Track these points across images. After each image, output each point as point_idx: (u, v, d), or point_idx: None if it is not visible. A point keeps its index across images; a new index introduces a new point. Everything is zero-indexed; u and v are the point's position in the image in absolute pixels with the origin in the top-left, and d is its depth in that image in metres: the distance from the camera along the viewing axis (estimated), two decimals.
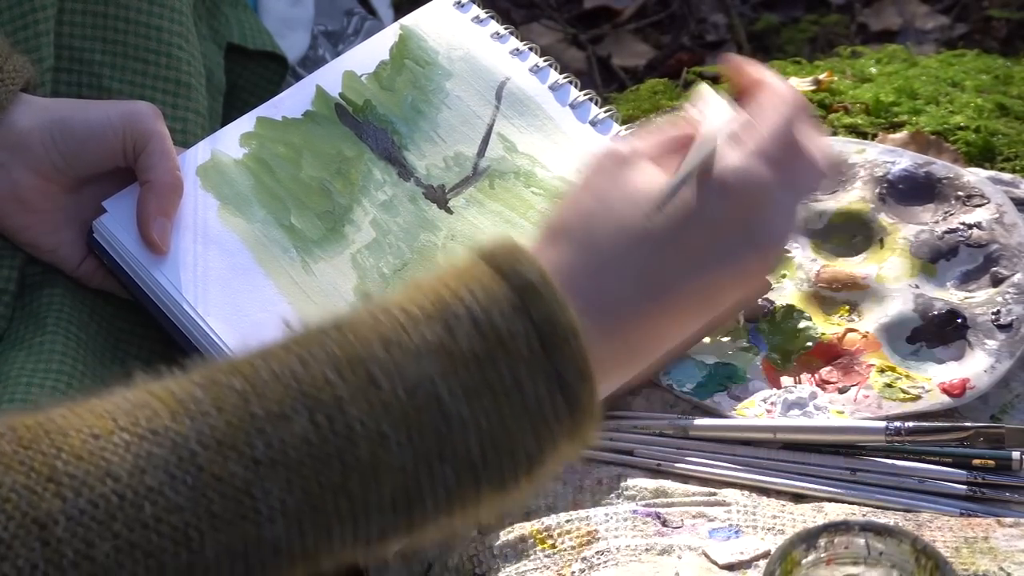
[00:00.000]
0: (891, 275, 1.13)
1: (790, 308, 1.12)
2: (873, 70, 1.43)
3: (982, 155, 1.28)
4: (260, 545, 0.71)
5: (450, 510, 0.74)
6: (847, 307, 1.12)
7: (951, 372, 1.07)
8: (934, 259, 1.14)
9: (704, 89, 0.85)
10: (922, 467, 1.01)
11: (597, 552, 0.94)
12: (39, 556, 0.69)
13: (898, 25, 2.14)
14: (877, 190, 1.19)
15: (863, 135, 1.30)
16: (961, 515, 0.97)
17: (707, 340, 1.09)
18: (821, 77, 1.38)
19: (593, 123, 1.15)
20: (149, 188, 1.04)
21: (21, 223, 1.06)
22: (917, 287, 1.12)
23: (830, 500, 0.99)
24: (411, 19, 1.17)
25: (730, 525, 0.97)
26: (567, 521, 0.97)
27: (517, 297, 0.75)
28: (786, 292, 1.13)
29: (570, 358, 0.74)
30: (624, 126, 1.14)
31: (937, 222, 1.16)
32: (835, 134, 1.30)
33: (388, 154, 1.11)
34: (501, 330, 0.74)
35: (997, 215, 1.15)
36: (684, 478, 1.02)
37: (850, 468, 1.01)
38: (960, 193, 1.17)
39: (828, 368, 1.08)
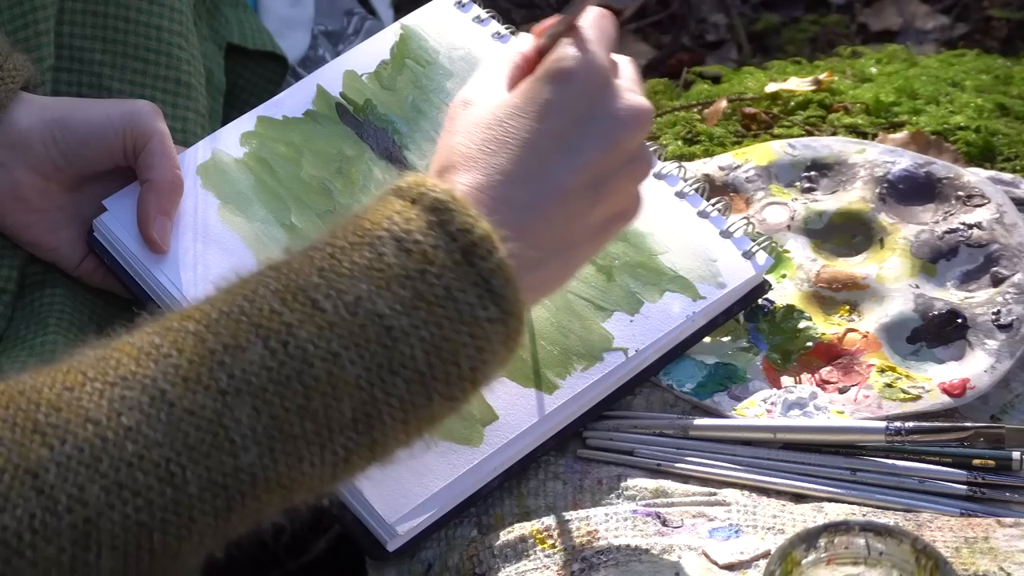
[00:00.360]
0: (891, 275, 1.13)
1: (790, 308, 1.12)
2: (873, 70, 1.43)
3: (982, 155, 1.28)
4: (237, 475, 0.76)
5: (407, 425, 0.81)
6: (847, 307, 1.12)
7: (951, 372, 1.07)
8: (934, 259, 1.14)
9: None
10: (922, 467, 1.01)
11: (597, 552, 0.94)
12: (35, 505, 0.73)
13: (898, 25, 2.14)
14: (877, 190, 1.19)
15: (863, 135, 1.30)
16: (961, 515, 0.98)
17: (707, 340, 1.09)
18: (821, 77, 1.38)
19: None
20: (149, 187, 1.05)
21: (21, 222, 1.06)
22: (917, 287, 1.12)
23: (830, 500, 0.99)
24: (412, 19, 1.17)
25: (730, 525, 0.97)
26: (567, 521, 0.97)
27: (431, 215, 0.82)
28: (786, 292, 1.13)
29: (492, 264, 0.82)
30: None
31: (937, 222, 1.16)
32: (835, 134, 1.30)
33: (389, 153, 1.11)
34: (423, 245, 0.81)
35: (997, 215, 1.15)
36: (684, 478, 1.02)
37: (850, 468, 1.01)
38: (960, 193, 1.17)
39: (828, 368, 1.08)
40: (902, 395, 1.05)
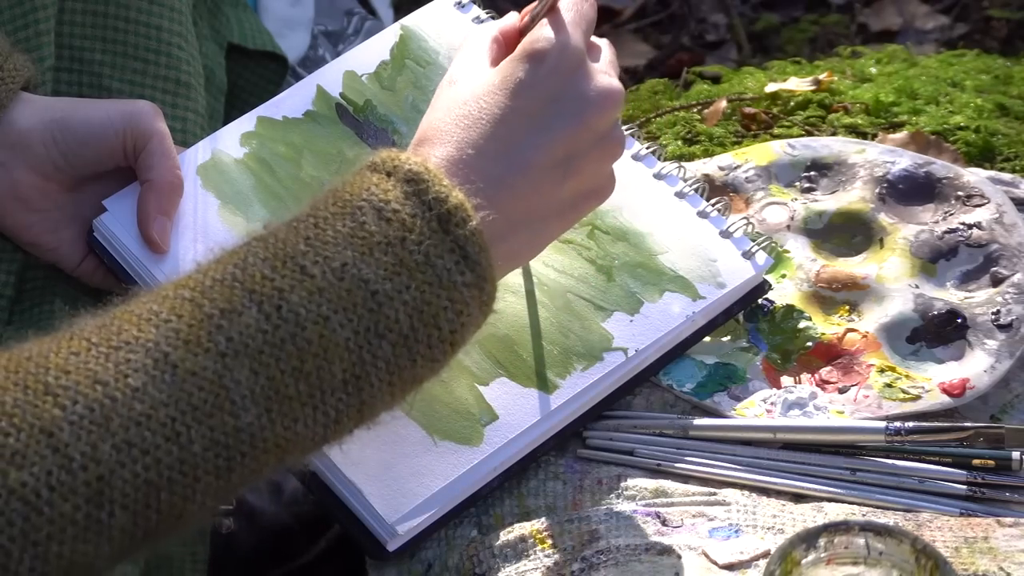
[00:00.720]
0: (891, 275, 1.13)
1: (790, 308, 1.12)
2: (873, 70, 1.43)
3: (982, 155, 1.28)
4: (238, 435, 0.80)
5: (392, 387, 0.85)
6: (847, 307, 1.12)
7: (951, 372, 1.07)
8: (934, 259, 1.14)
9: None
10: (922, 467, 1.01)
11: (597, 552, 0.94)
12: (51, 462, 0.76)
13: (898, 25, 2.14)
14: (877, 190, 1.19)
15: (863, 135, 1.30)
16: (961, 515, 0.98)
17: (707, 340, 1.09)
18: (821, 77, 1.38)
19: None
20: (149, 187, 1.04)
21: (21, 222, 1.06)
22: (917, 287, 1.12)
23: (830, 500, 0.99)
24: (412, 19, 1.17)
25: (730, 524, 0.97)
26: (567, 521, 0.97)
27: (406, 186, 0.87)
28: (786, 292, 1.13)
29: (466, 232, 0.87)
30: (624, 126, 1.14)
31: (937, 222, 1.16)
32: (835, 134, 1.30)
33: None
34: (401, 214, 0.86)
35: (997, 215, 1.15)
36: (684, 478, 1.02)
37: (850, 468, 1.01)
38: (960, 193, 1.18)
39: (828, 368, 1.08)
40: (902, 395, 1.05)
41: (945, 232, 1.15)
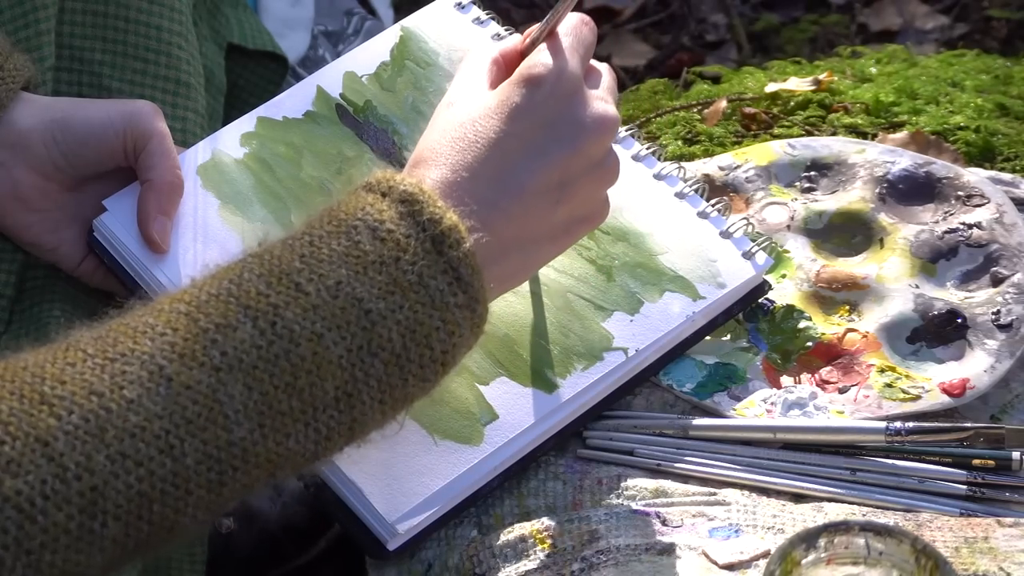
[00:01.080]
0: (891, 275, 1.13)
1: (790, 308, 1.12)
2: (873, 70, 1.43)
3: (982, 155, 1.28)
4: (230, 449, 0.81)
5: (383, 405, 0.86)
6: (847, 307, 1.12)
7: (951, 372, 1.07)
8: (934, 259, 1.14)
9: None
10: (922, 467, 1.01)
11: (597, 552, 0.94)
12: (46, 472, 0.76)
13: (898, 25, 2.14)
14: (877, 190, 1.19)
15: (863, 135, 1.30)
16: (961, 515, 0.98)
17: (707, 339, 1.09)
18: (821, 77, 1.38)
19: None
20: (149, 187, 1.04)
21: (22, 222, 1.06)
22: (917, 287, 1.12)
23: (830, 500, 0.99)
24: (412, 20, 1.17)
25: (730, 524, 0.97)
26: (567, 521, 0.97)
27: (401, 207, 0.88)
28: (786, 292, 1.13)
29: (460, 253, 0.87)
30: (624, 126, 1.14)
31: (937, 222, 1.16)
32: (835, 134, 1.30)
33: (389, 154, 1.11)
34: (396, 234, 0.87)
35: (997, 215, 1.15)
36: (684, 478, 1.02)
37: (850, 468, 1.01)
38: (960, 193, 1.18)
39: (828, 368, 1.08)
40: (902, 395, 1.05)
41: (945, 232, 1.15)
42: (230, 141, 1.10)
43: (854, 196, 1.19)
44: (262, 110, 1.12)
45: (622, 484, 1.01)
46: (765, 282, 1.11)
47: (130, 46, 1.14)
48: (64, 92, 1.12)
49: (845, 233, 1.17)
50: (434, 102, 1.13)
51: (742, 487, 1.01)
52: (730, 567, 0.93)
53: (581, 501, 1.00)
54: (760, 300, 1.11)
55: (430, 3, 1.18)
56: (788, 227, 1.18)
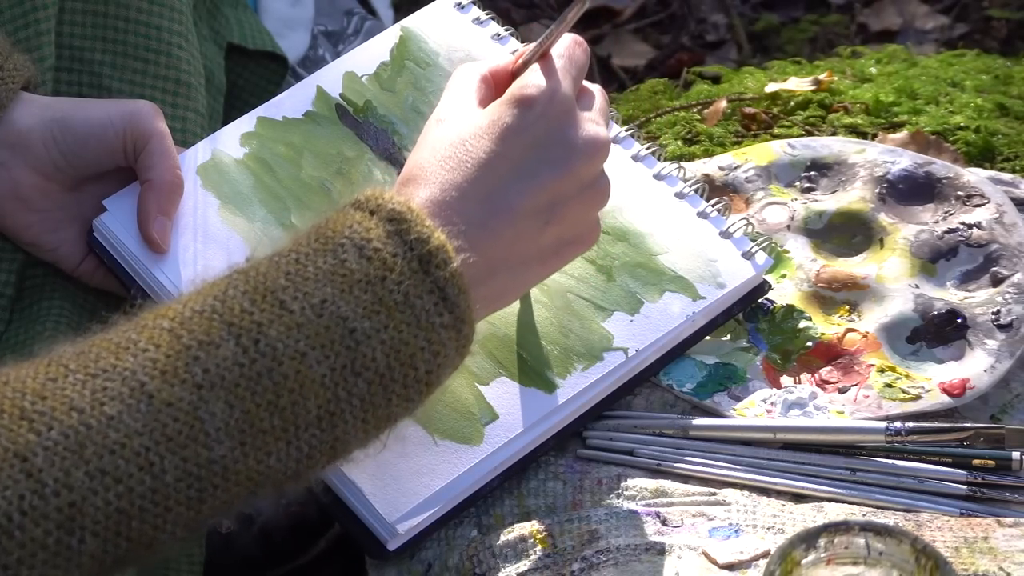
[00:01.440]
0: (891, 275, 1.13)
1: (790, 308, 1.12)
2: (873, 70, 1.43)
3: (982, 155, 1.28)
4: (210, 467, 0.80)
5: (366, 424, 0.86)
6: (847, 307, 1.12)
7: (951, 372, 1.07)
8: (934, 259, 1.14)
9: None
10: (922, 467, 1.01)
11: (597, 552, 0.94)
12: (24, 487, 0.76)
13: (898, 25, 2.14)
14: (877, 190, 1.19)
15: (863, 135, 1.30)
16: (961, 515, 0.98)
17: (707, 339, 1.09)
18: (821, 77, 1.38)
19: None
20: (149, 187, 1.05)
21: (22, 222, 1.06)
22: (917, 287, 1.12)
23: (830, 500, 0.99)
24: (412, 20, 1.17)
25: (730, 524, 0.97)
26: (567, 521, 0.97)
27: (389, 225, 0.87)
28: (786, 292, 1.13)
29: (447, 273, 0.87)
30: (624, 126, 1.14)
31: (937, 222, 1.16)
32: (835, 134, 1.30)
33: (389, 155, 1.11)
34: (383, 252, 0.86)
35: (997, 215, 1.15)
36: (684, 478, 1.02)
37: (850, 468, 1.01)
38: (960, 193, 1.18)
39: (828, 368, 1.08)
40: (902, 395, 1.05)
41: (945, 232, 1.15)
42: (230, 141, 1.10)
43: (854, 196, 1.19)
44: (262, 110, 1.12)
45: (622, 484, 1.01)
46: (765, 282, 1.11)
47: (130, 46, 1.14)
48: (64, 92, 1.12)
49: (845, 233, 1.17)
50: (434, 102, 1.13)
51: (742, 487, 1.01)
52: (730, 567, 0.93)
53: (581, 501, 1.00)
54: (760, 300, 1.11)
55: (430, 3, 1.18)
56: (788, 227, 1.18)
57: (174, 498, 0.80)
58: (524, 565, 0.95)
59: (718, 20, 2.20)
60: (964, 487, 0.99)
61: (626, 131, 1.13)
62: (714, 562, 0.93)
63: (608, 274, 1.07)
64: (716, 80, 1.48)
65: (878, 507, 0.99)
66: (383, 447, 0.89)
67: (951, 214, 1.16)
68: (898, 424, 1.01)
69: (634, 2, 2.23)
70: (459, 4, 1.17)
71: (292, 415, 0.83)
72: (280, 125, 1.12)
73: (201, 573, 1.11)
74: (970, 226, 1.15)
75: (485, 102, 0.97)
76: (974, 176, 1.19)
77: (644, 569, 0.92)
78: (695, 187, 1.11)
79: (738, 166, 1.22)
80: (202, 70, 1.19)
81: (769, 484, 1.01)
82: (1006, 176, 1.22)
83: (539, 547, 0.96)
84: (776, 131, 1.33)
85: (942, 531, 0.95)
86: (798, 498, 1.00)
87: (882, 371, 1.07)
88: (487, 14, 1.16)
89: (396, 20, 1.20)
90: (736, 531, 0.96)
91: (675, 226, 1.09)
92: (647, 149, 1.13)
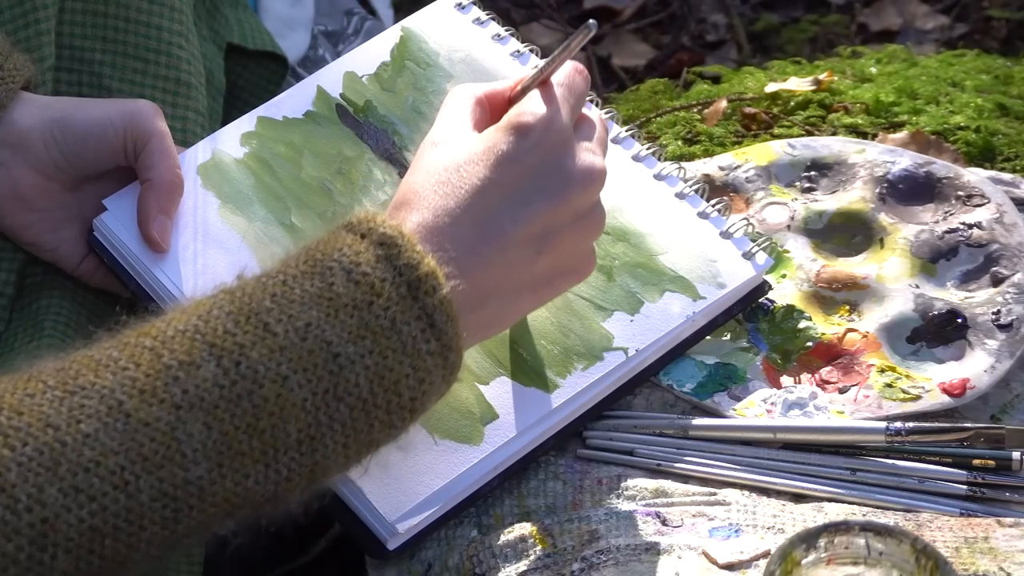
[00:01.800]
0: (891, 275, 1.13)
1: (790, 308, 1.12)
2: (873, 70, 1.43)
3: (982, 155, 1.28)
4: (187, 487, 0.80)
5: (347, 449, 0.85)
6: (847, 307, 1.12)
7: (951, 372, 1.07)
8: (934, 259, 1.14)
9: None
10: (922, 467, 1.01)
11: (597, 552, 0.94)
12: None
13: (898, 25, 2.14)
14: (877, 190, 1.19)
15: (863, 135, 1.30)
16: (961, 515, 0.98)
17: (707, 339, 1.09)
18: (821, 77, 1.38)
19: None
20: (149, 186, 1.05)
21: (22, 222, 1.06)
22: (917, 287, 1.12)
23: (830, 500, 0.99)
24: (412, 20, 1.17)
25: (730, 524, 0.97)
26: (567, 521, 0.97)
27: (379, 249, 0.86)
28: (786, 292, 1.13)
29: (435, 300, 0.86)
30: (624, 126, 1.14)
31: (937, 222, 1.16)
32: (835, 134, 1.30)
33: (389, 154, 1.11)
34: (371, 277, 0.85)
35: (997, 215, 1.15)
36: (684, 478, 1.02)
37: (850, 468, 1.01)
38: (960, 193, 1.18)
39: (828, 368, 1.08)
40: (902, 395, 1.05)
41: (945, 232, 1.15)
42: (230, 141, 1.10)
43: (854, 196, 1.19)
44: (262, 110, 1.12)
45: (622, 484, 1.01)
46: (765, 282, 1.11)
47: (130, 46, 1.14)
48: (64, 92, 1.12)
49: (845, 233, 1.18)
50: (434, 102, 1.13)
51: (742, 487, 1.01)
52: (730, 567, 0.93)
53: (581, 501, 1.00)
54: (760, 300, 1.11)
55: (430, 3, 1.18)
56: (788, 227, 1.18)
57: (149, 517, 0.80)
58: (524, 565, 0.95)
59: (718, 20, 2.20)
60: (964, 487, 0.99)
61: (626, 131, 1.13)
62: (714, 562, 0.93)
63: (608, 274, 1.07)
64: (716, 80, 1.48)
65: (878, 507, 0.99)
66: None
67: (951, 214, 1.16)
68: (898, 424, 1.01)
69: (634, 2, 2.23)
70: (459, 4, 1.17)
71: (271, 438, 0.82)
72: (280, 125, 1.12)
73: (201, 573, 1.11)
74: (970, 226, 1.15)
75: (480, 126, 0.96)
76: (974, 176, 1.19)
77: (644, 569, 0.92)
78: (695, 187, 1.11)
79: (738, 166, 1.22)
80: (202, 70, 1.19)
81: (769, 484, 1.01)
82: (1006, 176, 1.22)
83: (539, 547, 0.96)
84: (776, 131, 1.33)
85: (942, 531, 0.95)
86: (798, 498, 1.00)
87: (882, 371, 1.07)
88: (487, 14, 1.16)
89: (396, 20, 1.20)
90: (736, 531, 0.96)
91: (675, 226, 1.09)
92: (647, 149, 1.13)
